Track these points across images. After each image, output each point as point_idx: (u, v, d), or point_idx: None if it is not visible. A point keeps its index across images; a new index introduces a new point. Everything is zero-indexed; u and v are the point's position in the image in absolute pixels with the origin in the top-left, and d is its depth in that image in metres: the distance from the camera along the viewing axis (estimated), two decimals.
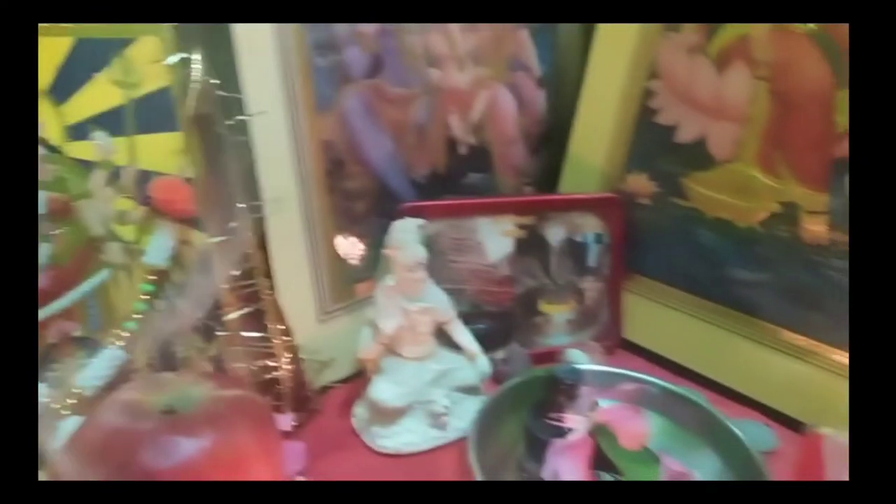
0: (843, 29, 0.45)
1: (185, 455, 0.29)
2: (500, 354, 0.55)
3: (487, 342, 0.55)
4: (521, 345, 0.58)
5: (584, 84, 0.61)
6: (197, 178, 0.43)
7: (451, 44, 0.55)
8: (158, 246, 0.41)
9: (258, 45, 0.44)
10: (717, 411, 0.44)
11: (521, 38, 0.61)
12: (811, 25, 0.47)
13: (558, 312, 0.59)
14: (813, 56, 0.47)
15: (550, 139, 0.66)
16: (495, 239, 0.56)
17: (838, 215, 0.47)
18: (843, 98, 0.46)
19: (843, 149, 0.46)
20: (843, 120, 0.46)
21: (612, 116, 0.59)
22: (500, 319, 0.57)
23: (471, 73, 0.58)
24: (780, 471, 0.40)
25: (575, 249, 0.58)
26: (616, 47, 0.58)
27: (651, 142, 0.57)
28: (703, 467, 0.42)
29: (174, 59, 0.41)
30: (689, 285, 0.56)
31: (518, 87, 0.62)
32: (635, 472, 0.38)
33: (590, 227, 0.58)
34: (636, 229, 0.58)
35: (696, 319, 0.56)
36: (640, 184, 0.58)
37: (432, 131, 0.56)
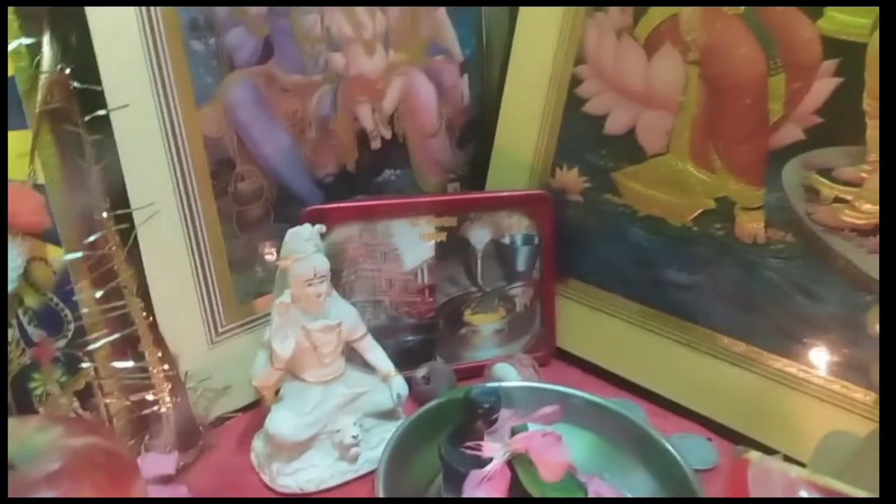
0: (775, 11, 0.46)
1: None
2: (421, 372, 0.54)
3: (407, 359, 0.54)
4: (446, 360, 0.57)
5: (509, 70, 0.60)
6: (49, 183, 0.40)
7: (355, 25, 0.54)
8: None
9: (119, 25, 0.41)
10: (651, 428, 0.43)
11: (439, 19, 0.60)
12: (740, 6, 0.47)
13: (486, 323, 0.58)
14: (745, 38, 0.48)
15: (475, 130, 0.65)
16: (413, 243, 0.55)
17: (774, 211, 0.48)
18: (776, 84, 0.47)
19: (777, 139, 0.47)
20: (776, 107, 0.47)
21: (540, 105, 0.59)
22: (421, 333, 0.56)
23: (382, 58, 0.56)
24: (717, 488, 0.40)
25: (502, 252, 0.57)
26: (540, 29, 0.58)
27: (581, 133, 0.57)
28: (636, 489, 0.41)
29: (17, 44, 0.38)
30: (624, 288, 0.56)
31: (438, 73, 0.61)
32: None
33: (518, 227, 0.57)
34: (567, 229, 0.58)
35: (632, 325, 0.56)
36: (571, 179, 0.58)
37: (338, 124, 0.54)
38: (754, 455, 0.29)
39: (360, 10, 0.54)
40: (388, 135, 0.58)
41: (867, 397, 0.45)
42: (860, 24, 0.43)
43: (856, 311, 0.45)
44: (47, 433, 0.31)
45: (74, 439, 0.31)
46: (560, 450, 0.36)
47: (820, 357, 0.47)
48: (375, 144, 0.57)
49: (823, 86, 0.45)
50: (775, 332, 0.49)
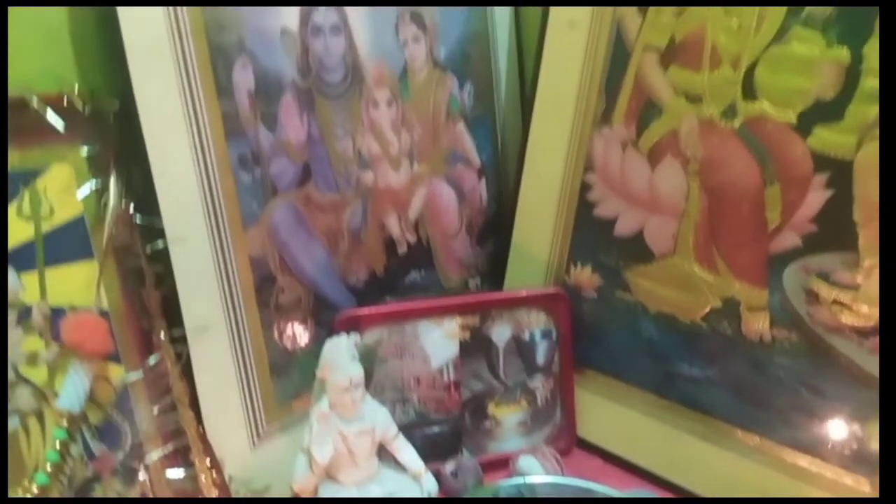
0: (769, 125, 0.50)
1: None
2: (449, 467, 0.56)
3: (436, 452, 0.56)
4: (472, 452, 0.59)
5: (523, 176, 0.64)
6: (112, 309, 0.43)
7: (383, 144, 0.58)
8: (72, 388, 0.41)
9: (177, 164, 0.45)
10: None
11: (458, 131, 0.65)
12: (736, 123, 0.51)
13: (509, 415, 0.60)
14: (740, 153, 0.51)
15: (494, 228, 0.68)
16: (439, 342, 0.57)
17: (778, 311, 0.51)
18: (772, 195, 0.50)
19: (776, 245, 0.50)
20: (773, 216, 0.50)
21: (553, 208, 0.62)
22: (448, 427, 0.58)
23: (407, 171, 0.60)
24: None
25: (522, 348, 0.60)
26: (552, 137, 0.62)
27: (592, 234, 0.60)
28: None
29: (87, 189, 0.42)
30: (639, 380, 0.58)
31: (458, 179, 0.65)
32: None
33: (536, 323, 0.60)
34: (583, 323, 0.61)
35: (648, 416, 0.58)
36: (585, 277, 0.61)
37: (368, 234, 0.58)
38: None
39: (387, 130, 0.58)
40: (413, 239, 0.62)
41: (877, 490, 0.47)
42: (846, 142, 0.46)
43: (860, 407, 0.47)
44: None
45: None
46: None
47: (829, 451, 0.49)
48: (402, 249, 0.61)
49: (816, 197, 0.48)
50: (786, 426, 0.51)
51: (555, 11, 0.60)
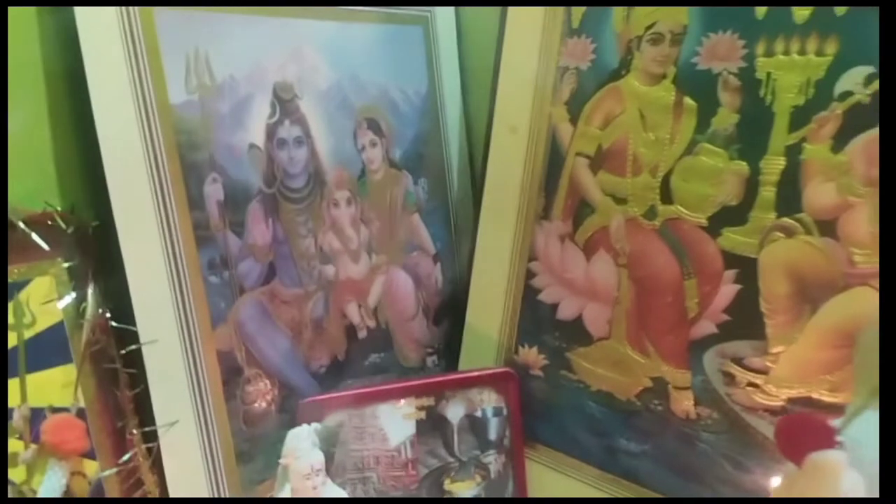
0: (685, 225, 0.55)
1: None
2: None
3: None
4: None
5: (474, 263, 0.69)
6: (89, 408, 0.46)
7: (344, 240, 0.63)
8: (51, 486, 0.43)
9: (151, 271, 0.49)
10: None
11: (414, 223, 0.69)
12: (657, 222, 0.57)
13: (464, 490, 0.63)
14: (661, 249, 0.57)
15: (449, 309, 0.73)
16: (396, 423, 0.61)
17: (701, 392, 0.55)
18: (690, 287, 0.55)
19: (695, 332, 0.55)
20: (692, 305, 0.55)
21: (502, 293, 0.67)
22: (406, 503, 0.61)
23: (366, 263, 0.65)
24: None
25: (475, 425, 0.63)
26: (498, 230, 0.66)
27: (538, 317, 0.65)
28: None
29: (67, 300, 0.46)
30: (583, 455, 0.62)
31: (414, 266, 0.70)
32: None
33: (488, 401, 0.64)
34: (532, 400, 0.65)
35: (594, 488, 0.62)
36: (532, 357, 0.65)
37: (330, 323, 0.62)
38: None
39: (347, 227, 0.63)
40: (372, 324, 0.66)
41: None
42: (750, 243, 0.52)
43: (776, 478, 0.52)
44: None
45: None
46: None
47: None
48: (362, 334, 0.65)
49: (727, 290, 0.53)
50: (711, 496, 0.55)
51: (498, 117, 0.66)
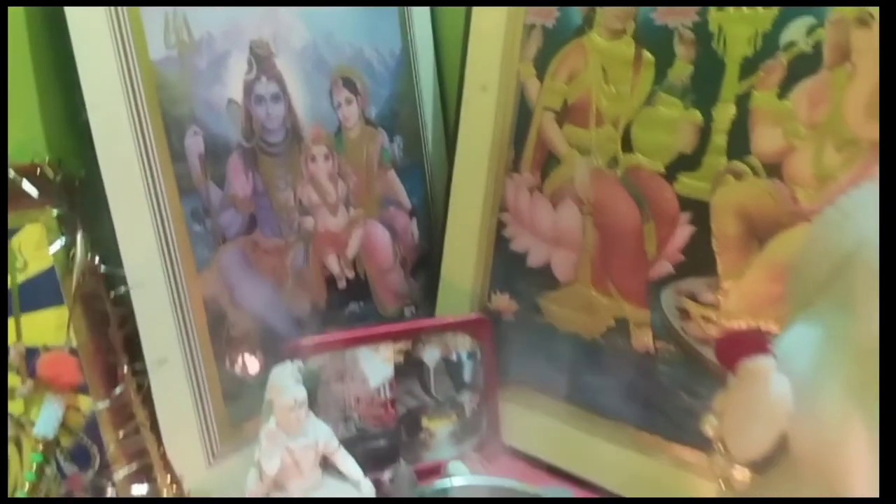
0: (644, 173, 0.58)
1: None
2: (387, 475, 0.62)
3: (375, 462, 0.62)
4: (409, 461, 0.65)
5: (449, 217, 0.71)
6: (81, 347, 0.49)
7: (322, 193, 0.65)
8: (47, 417, 0.46)
9: (136, 220, 0.51)
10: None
11: (390, 178, 0.72)
12: (618, 171, 0.59)
13: (441, 427, 0.67)
14: (623, 197, 0.60)
15: (425, 263, 0.75)
16: (376, 365, 0.64)
17: (659, 327, 0.59)
18: (649, 231, 0.58)
19: (654, 272, 0.58)
20: (651, 248, 0.58)
21: (475, 244, 0.70)
22: (386, 440, 0.64)
23: (344, 216, 0.67)
24: None
25: (451, 367, 0.67)
26: (471, 185, 0.69)
27: (509, 266, 0.68)
28: None
29: (57, 245, 0.48)
30: (554, 392, 0.66)
31: (391, 220, 0.72)
32: None
33: (462, 345, 0.67)
34: (504, 344, 0.68)
35: (563, 423, 0.65)
36: (504, 303, 0.68)
37: (310, 273, 0.64)
38: None
39: (325, 181, 0.65)
40: (351, 275, 0.68)
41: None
42: (703, 187, 0.55)
43: None
44: None
45: None
46: None
47: (707, 444, 0.56)
48: (341, 284, 0.68)
49: (683, 232, 0.56)
50: (671, 424, 0.58)
51: (469, 75, 0.68)
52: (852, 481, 0.35)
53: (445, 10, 0.74)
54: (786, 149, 0.51)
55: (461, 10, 0.68)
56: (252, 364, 0.59)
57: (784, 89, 0.51)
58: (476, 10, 0.67)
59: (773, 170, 0.52)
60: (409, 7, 0.72)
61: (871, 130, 0.47)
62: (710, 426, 0.41)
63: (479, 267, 0.70)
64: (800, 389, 0.37)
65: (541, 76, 0.64)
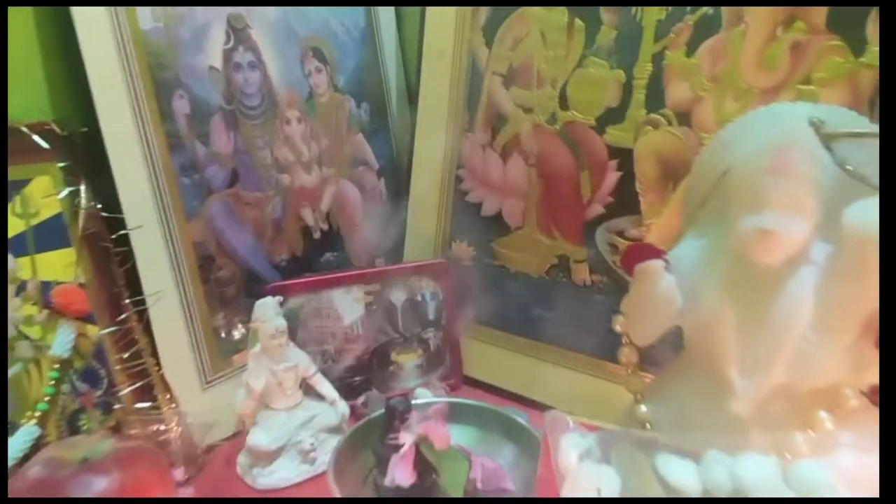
0: (578, 127, 0.66)
1: (98, 489, 0.42)
2: (360, 400, 0.70)
3: (350, 392, 0.70)
4: (380, 390, 0.73)
5: (413, 175, 0.79)
6: (88, 282, 0.56)
7: (296, 153, 0.72)
8: (62, 340, 0.53)
9: (133, 173, 0.58)
10: (515, 414, 0.61)
11: (358, 141, 0.79)
12: (557, 126, 0.68)
13: (408, 361, 0.75)
14: (561, 149, 0.68)
15: (394, 217, 0.83)
16: (349, 305, 0.72)
17: (594, 262, 0.67)
18: (584, 178, 0.67)
19: (589, 213, 0.67)
20: (586, 192, 0.67)
21: (436, 198, 0.78)
22: (359, 372, 0.73)
23: (317, 174, 0.75)
24: None
25: (416, 307, 0.75)
26: (432, 144, 0.77)
27: (466, 216, 0.76)
28: (505, 457, 0.58)
29: (64, 193, 0.55)
30: (507, 326, 0.74)
31: (361, 179, 0.80)
32: (449, 467, 0.54)
33: (426, 287, 0.75)
34: (463, 286, 0.76)
35: (516, 353, 0.74)
36: (462, 249, 0.77)
37: (288, 223, 0.72)
38: (552, 411, 0.47)
39: (299, 142, 0.72)
40: (325, 227, 0.76)
41: None
42: (628, 137, 0.63)
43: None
44: (108, 441, 0.46)
45: (126, 443, 0.46)
46: (444, 428, 0.53)
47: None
48: (317, 235, 0.75)
49: (612, 177, 0.65)
50: (604, 345, 0.67)
51: (427, 44, 0.76)
52: (727, 358, 0.44)
53: None
54: (693, 100, 0.60)
55: None
56: (237, 304, 0.67)
57: (691, 48, 0.59)
58: None
59: (684, 119, 0.60)
60: None
61: (761, 80, 0.56)
62: (618, 323, 0.50)
63: (441, 218, 0.78)
64: (687, 288, 0.46)
65: (489, 44, 0.71)
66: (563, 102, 0.67)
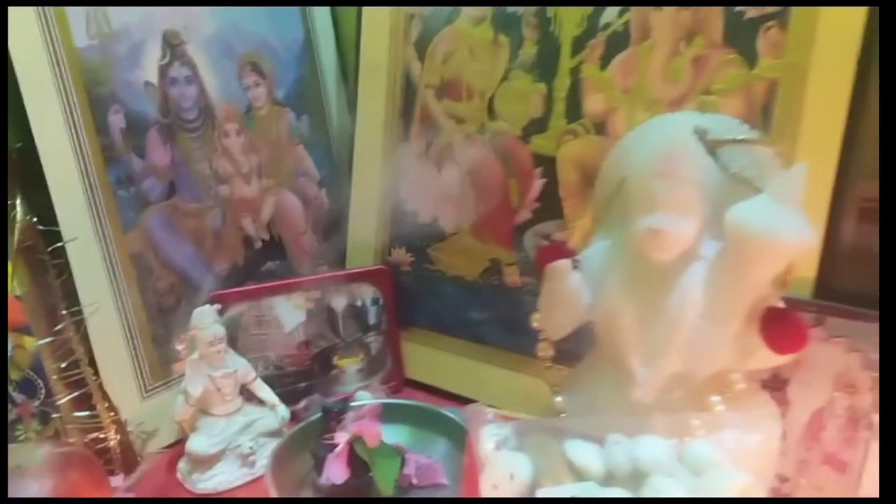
0: (506, 137, 0.70)
1: (33, 493, 0.43)
2: (302, 404, 0.72)
3: (293, 398, 0.72)
4: (323, 395, 0.75)
5: (353, 184, 0.82)
6: (24, 294, 0.57)
7: (235, 164, 0.74)
8: None
9: (68, 186, 0.60)
10: (448, 411, 0.63)
11: (298, 153, 0.82)
12: (487, 136, 0.71)
13: (350, 365, 0.77)
14: (491, 157, 0.71)
15: (335, 227, 0.86)
16: (289, 312, 0.74)
17: (524, 265, 0.71)
18: (513, 185, 0.70)
19: (518, 219, 0.70)
20: (515, 199, 0.70)
21: (375, 207, 0.80)
22: (301, 377, 0.75)
23: (257, 185, 0.77)
24: None
25: (357, 312, 0.77)
26: (370, 155, 0.80)
27: (404, 224, 0.79)
28: (438, 452, 0.61)
29: None
30: (445, 329, 0.77)
31: (302, 189, 0.82)
32: (382, 464, 0.56)
33: (367, 293, 0.78)
34: (403, 290, 0.79)
35: (454, 355, 0.77)
36: (401, 256, 0.79)
37: (228, 234, 0.74)
38: (473, 405, 0.50)
39: (237, 154, 0.75)
40: (266, 237, 0.78)
41: None
42: (551, 145, 0.67)
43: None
44: (42, 448, 0.48)
45: (60, 449, 0.48)
46: (375, 426, 0.55)
47: None
48: (258, 245, 0.77)
49: (537, 184, 0.69)
50: (534, 344, 0.70)
51: (365, 58, 0.79)
52: (629, 349, 0.48)
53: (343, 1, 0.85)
54: (608, 110, 0.64)
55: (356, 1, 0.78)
56: (177, 314, 0.69)
57: (604, 62, 0.63)
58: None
59: (600, 128, 0.64)
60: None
61: (667, 92, 0.60)
62: (535, 320, 0.53)
63: (381, 227, 0.81)
64: (595, 284, 0.50)
65: (422, 58, 0.75)
66: (491, 114, 0.70)
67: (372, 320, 0.78)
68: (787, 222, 0.41)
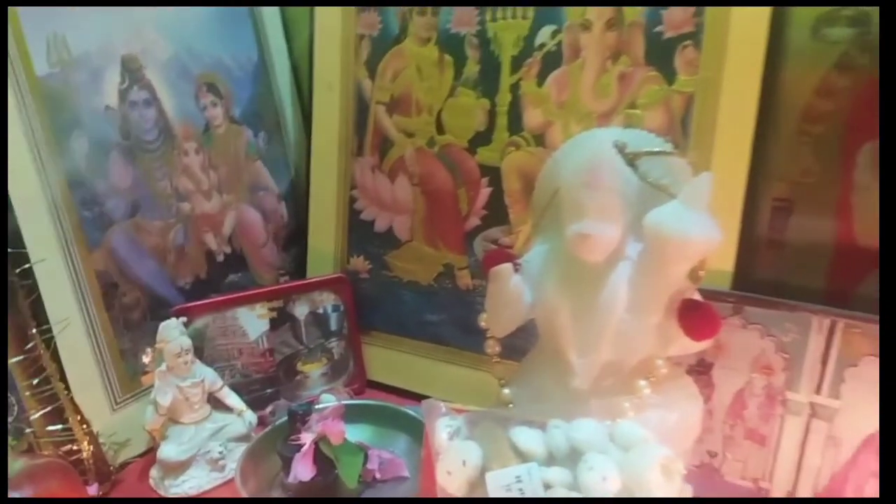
0: (454, 149, 0.75)
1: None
2: (269, 409, 0.75)
3: (260, 403, 0.75)
4: (289, 399, 0.79)
5: (311, 197, 0.86)
6: None
7: (195, 182, 0.77)
8: None
9: (33, 206, 0.62)
10: (408, 409, 0.68)
11: (256, 168, 0.85)
12: (436, 149, 0.76)
13: (313, 370, 0.81)
14: (440, 169, 0.76)
15: (295, 238, 0.89)
16: (253, 321, 0.77)
17: (475, 268, 0.76)
18: (462, 194, 0.75)
19: (467, 226, 0.75)
20: (464, 207, 0.75)
21: (333, 217, 0.84)
22: (267, 384, 0.78)
23: (218, 200, 0.80)
24: None
25: (319, 319, 0.81)
26: (326, 168, 0.84)
27: (361, 233, 0.83)
28: (400, 447, 0.65)
29: None
30: (403, 331, 0.81)
31: (261, 203, 0.86)
32: (346, 460, 0.60)
33: (328, 300, 0.82)
34: (362, 297, 0.83)
35: (413, 356, 0.81)
36: (359, 264, 0.83)
37: (191, 249, 0.77)
38: (428, 400, 0.54)
39: (197, 171, 0.78)
40: (228, 250, 0.81)
41: None
42: (495, 156, 0.72)
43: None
44: (19, 461, 0.51)
45: (37, 460, 0.51)
46: (339, 425, 0.60)
47: None
48: (220, 258, 0.80)
49: (484, 193, 0.74)
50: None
51: (317, 77, 0.83)
52: (566, 342, 0.53)
53: (295, 21, 0.88)
54: (545, 123, 0.69)
55: (307, 22, 0.82)
56: (143, 328, 0.71)
57: (541, 79, 0.69)
58: (317, 21, 0.82)
59: (539, 140, 0.70)
60: (262, 19, 0.85)
61: (597, 106, 0.66)
62: (482, 320, 0.58)
63: (339, 236, 0.85)
64: (535, 285, 0.55)
65: (372, 76, 0.79)
66: (440, 128, 0.75)
67: (333, 326, 0.82)
68: (697, 224, 0.47)
